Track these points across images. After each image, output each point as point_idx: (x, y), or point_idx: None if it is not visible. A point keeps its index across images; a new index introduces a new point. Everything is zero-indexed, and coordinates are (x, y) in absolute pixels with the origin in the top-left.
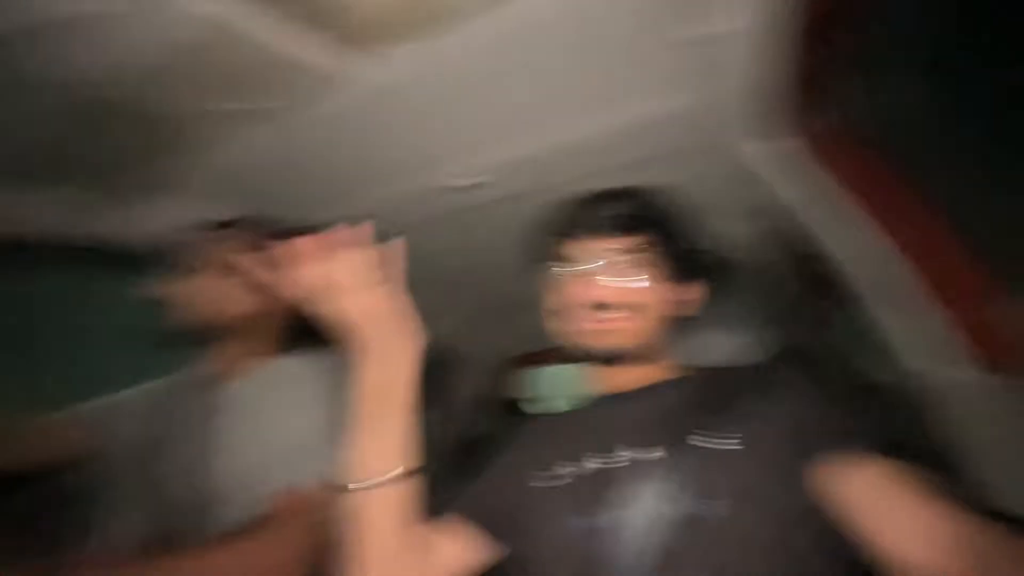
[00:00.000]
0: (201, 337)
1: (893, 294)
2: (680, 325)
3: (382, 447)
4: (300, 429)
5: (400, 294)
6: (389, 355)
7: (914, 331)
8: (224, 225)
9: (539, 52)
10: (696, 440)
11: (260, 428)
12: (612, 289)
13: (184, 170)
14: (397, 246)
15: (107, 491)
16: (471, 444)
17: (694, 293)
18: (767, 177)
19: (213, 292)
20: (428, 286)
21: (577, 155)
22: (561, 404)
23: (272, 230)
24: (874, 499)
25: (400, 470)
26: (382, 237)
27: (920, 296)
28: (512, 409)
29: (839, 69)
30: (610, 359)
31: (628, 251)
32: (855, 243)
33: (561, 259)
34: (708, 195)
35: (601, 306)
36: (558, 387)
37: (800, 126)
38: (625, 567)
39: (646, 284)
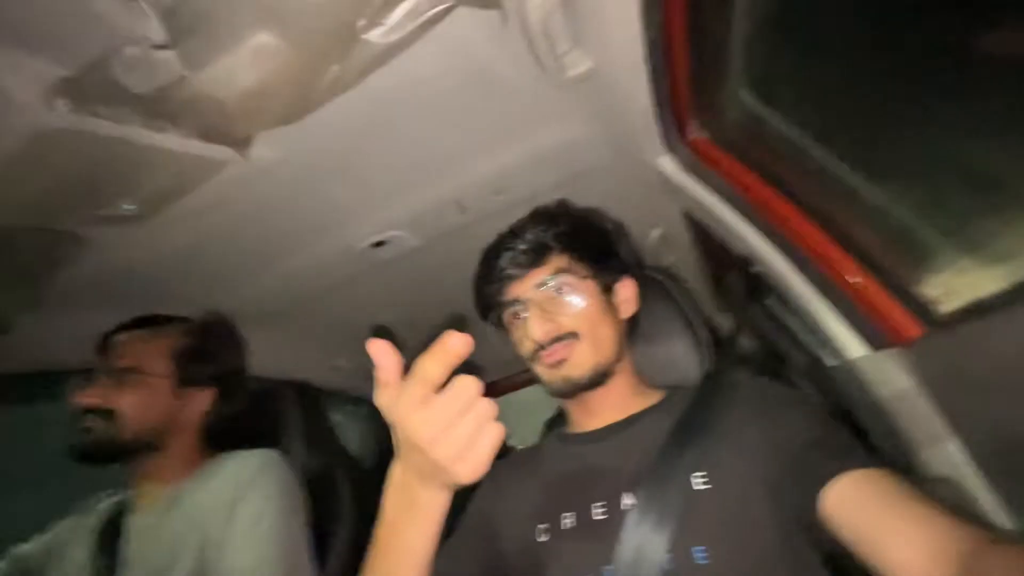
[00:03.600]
0: (129, 450)
1: (791, 288)
2: (630, 329)
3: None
4: (254, 539)
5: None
6: (422, 501)
7: (817, 320)
8: (131, 328)
9: (428, 102)
10: (662, 482)
11: (210, 550)
12: (550, 321)
13: (81, 281)
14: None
15: None
16: None
17: (627, 290)
18: (678, 186)
19: (130, 401)
20: (359, 344)
21: (487, 191)
22: (529, 435)
23: (188, 326)
24: (872, 512)
25: None
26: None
27: (812, 287)
28: None
29: (701, 84)
30: (580, 390)
31: (553, 275)
32: (751, 242)
33: (501, 308)
34: (631, 209)
35: (551, 340)
36: (522, 416)
37: (683, 140)
38: None
39: (582, 301)
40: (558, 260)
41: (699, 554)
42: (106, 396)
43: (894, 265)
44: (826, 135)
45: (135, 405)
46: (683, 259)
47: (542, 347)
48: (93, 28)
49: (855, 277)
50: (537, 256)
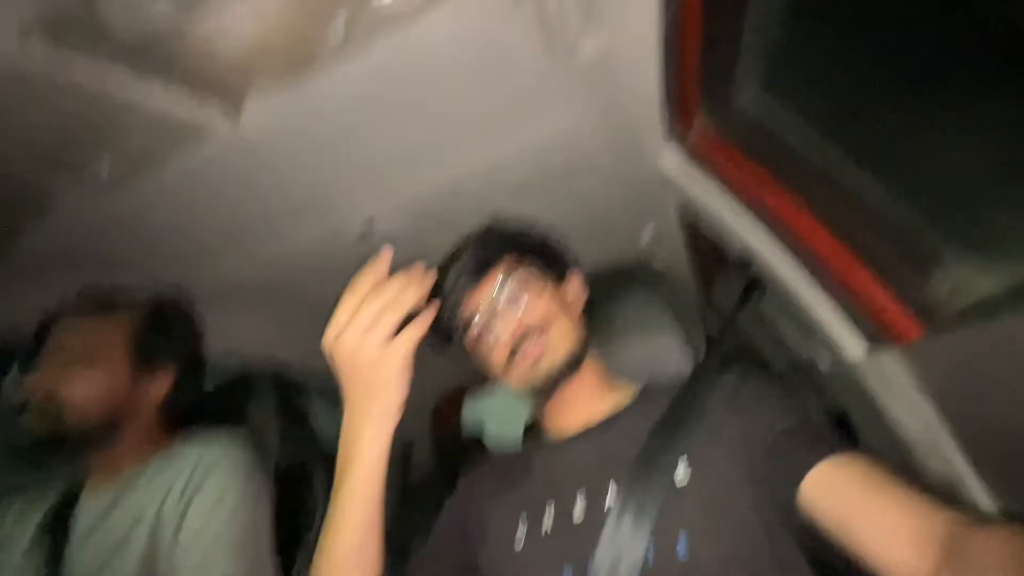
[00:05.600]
0: (78, 442)
1: (790, 286)
2: (594, 323)
3: (340, 537)
4: (212, 524)
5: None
6: (362, 417)
7: (816, 319)
8: (89, 304)
9: (428, 82)
10: (644, 477)
11: (166, 532)
12: (514, 321)
13: (40, 245)
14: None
15: None
16: (417, 487)
17: (575, 284)
18: (676, 181)
19: (81, 387)
20: None
21: (482, 179)
22: (507, 436)
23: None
24: (853, 498)
25: None
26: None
27: (809, 284)
28: (457, 446)
29: (711, 77)
30: (553, 386)
31: (504, 280)
32: (751, 238)
33: (461, 329)
34: (626, 204)
35: (521, 338)
36: (499, 417)
37: (687, 132)
38: None
39: (540, 295)
40: (506, 263)
41: (682, 548)
42: (54, 384)
43: (896, 264)
44: (834, 132)
45: (86, 392)
46: (675, 258)
47: (514, 351)
48: None
49: (856, 275)
50: (485, 265)
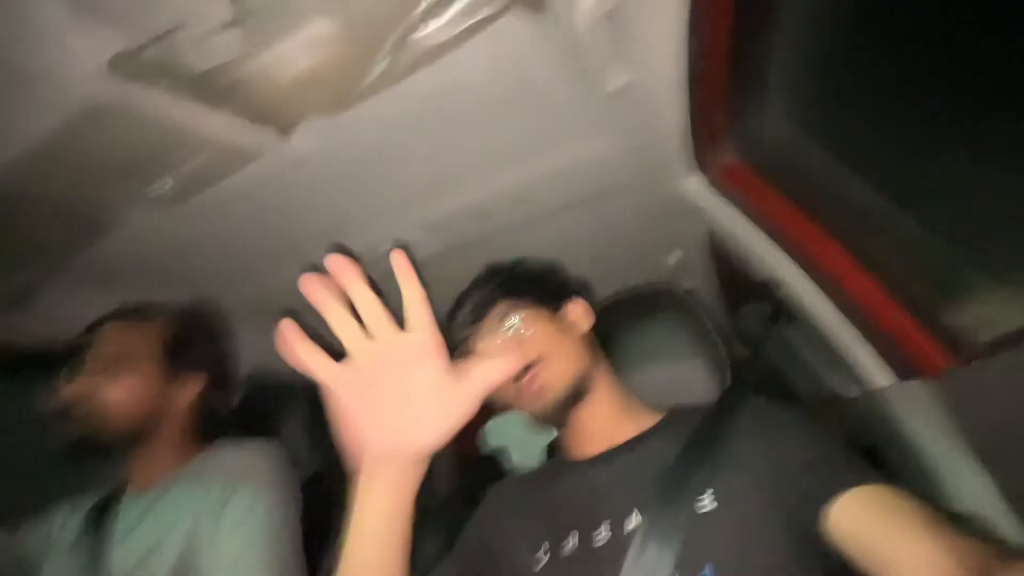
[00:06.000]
0: (115, 445)
1: (817, 315)
2: (607, 347)
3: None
4: (243, 532)
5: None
6: (395, 477)
7: (843, 349)
8: (123, 316)
9: (462, 110)
10: (668, 504)
11: (199, 538)
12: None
13: (86, 260)
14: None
15: None
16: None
17: (577, 308)
18: (700, 209)
19: (117, 391)
20: None
21: (512, 201)
22: (528, 456)
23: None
24: (880, 529)
25: None
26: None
27: (836, 314)
28: (479, 464)
29: (737, 107)
30: (564, 412)
31: (499, 319)
32: (777, 266)
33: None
34: (652, 230)
35: (523, 369)
36: (520, 436)
37: (713, 160)
38: None
39: (534, 328)
40: (500, 306)
41: (707, 574)
42: (92, 387)
43: (925, 295)
44: (860, 163)
45: (123, 394)
46: (701, 284)
47: (518, 380)
48: (160, 1)
49: (883, 305)
50: (480, 310)
